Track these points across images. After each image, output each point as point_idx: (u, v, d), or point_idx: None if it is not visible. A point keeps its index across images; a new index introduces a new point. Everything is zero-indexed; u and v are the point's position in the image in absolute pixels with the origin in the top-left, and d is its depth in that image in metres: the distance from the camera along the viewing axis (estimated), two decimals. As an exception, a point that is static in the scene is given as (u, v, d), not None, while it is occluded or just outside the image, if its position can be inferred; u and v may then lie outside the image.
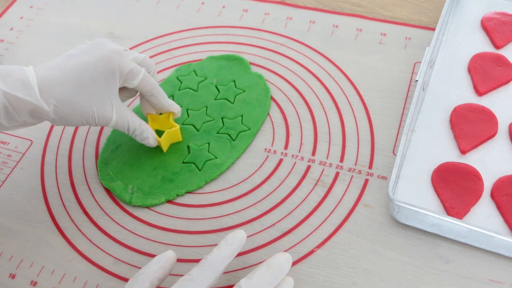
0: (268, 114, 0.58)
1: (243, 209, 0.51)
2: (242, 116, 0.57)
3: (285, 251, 0.48)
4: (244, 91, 0.58)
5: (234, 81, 0.59)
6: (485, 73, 0.56)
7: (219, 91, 0.60)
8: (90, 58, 0.46)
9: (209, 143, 0.55)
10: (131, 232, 0.51)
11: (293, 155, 0.54)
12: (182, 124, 0.57)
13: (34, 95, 0.44)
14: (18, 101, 0.43)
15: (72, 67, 0.46)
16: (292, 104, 0.58)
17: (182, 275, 0.47)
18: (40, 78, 0.45)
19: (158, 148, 0.56)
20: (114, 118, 0.48)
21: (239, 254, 0.48)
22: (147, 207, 0.52)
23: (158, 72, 0.63)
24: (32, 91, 0.44)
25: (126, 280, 0.48)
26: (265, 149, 0.55)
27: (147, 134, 0.51)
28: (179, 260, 0.48)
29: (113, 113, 0.47)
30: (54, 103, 0.45)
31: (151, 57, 0.65)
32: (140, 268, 0.48)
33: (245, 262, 0.48)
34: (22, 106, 0.44)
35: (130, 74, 0.48)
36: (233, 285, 0.46)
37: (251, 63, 0.62)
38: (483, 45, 0.59)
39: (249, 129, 0.55)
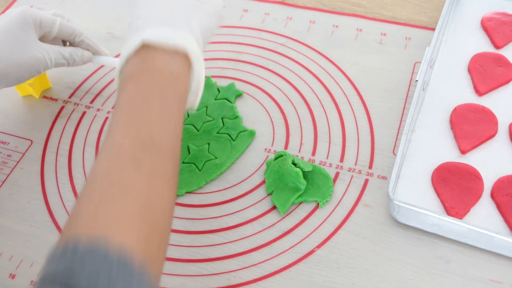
0: (268, 114, 0.58)
1: (243, 209, 0.51)
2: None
3: (285, 251, 0.48)
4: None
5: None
6: (485, 73, 0.56)
7: (219, 91, 0.60)
8: (6, 21, 0.52)
9: (209, 143, 0.55)
10: (131, 232, 0.51)
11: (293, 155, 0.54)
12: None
13: None
14: None
15: None
16: (292, 104, 0.58)
17: (182, 275, 0.47)
18: None
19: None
20: (48, 57, 0.53)
21: (239, 254, 0.48)
22: (147, 207, 0.52)
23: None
24: None
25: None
26: (265, 149, 0.55)
27: (81, 52, 0.56)
28: (179, 260, 0.48)
29: (44, 53, 0.52)
30: None
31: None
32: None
33: (245, 262, 0.48)
34: None
35: (45, 22, 0.53)
36: (233, 285, 0.46)
37: (251, 63, 0.62)
38: (483, 45, 0.59)
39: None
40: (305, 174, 0.51)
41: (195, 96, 0.42)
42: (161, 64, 0.38)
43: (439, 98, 0.55)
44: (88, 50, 0.57)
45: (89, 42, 0.57)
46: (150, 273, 0.30)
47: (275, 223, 0.50)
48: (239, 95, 0.59)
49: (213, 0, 0.46)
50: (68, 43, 0.57)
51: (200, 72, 0.41)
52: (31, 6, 0.73)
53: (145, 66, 0.38)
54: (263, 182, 0.52)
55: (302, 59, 0.62)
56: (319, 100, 0.58)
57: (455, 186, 0.48)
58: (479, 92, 0.55)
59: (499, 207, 0.47)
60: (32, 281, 0.48)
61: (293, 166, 0.50)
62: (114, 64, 0.58)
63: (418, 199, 0.48)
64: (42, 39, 0.54)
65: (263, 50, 0.64)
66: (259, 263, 0.48)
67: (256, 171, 0.54)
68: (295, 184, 0.50)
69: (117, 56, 0.63)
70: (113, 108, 0.61)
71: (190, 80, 0.40)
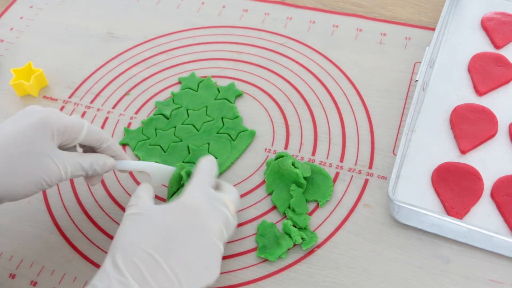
0: (268, 114, 0.58)
1: (243, 209, 0.51)
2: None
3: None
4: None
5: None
6: (485, 73, 0.56)
7: (219, 91, 0.60)
8: (23, 124, 0.43)
9: (209, 143, 0.55)
10: (131, 232, 0.51)
11: (293, 155, 0.54)
12: (182, 124, 0.57)
13: None
14: None
15: (4, 135, 0.42)
16: (292, 104, 0.58)
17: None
18: None
19: (159, 149, 0.56)
20: (64, 168, 0.44)
21: (239, 254, 0.48)
22: (147, 207, 0.52)
23: (159, 72, 0.63)
24: None
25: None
26: (265, 149, 0.55)
27: (102, 161, 0.47)
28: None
29: (60, 165, 0.43)
30: None
31: (151, 57, 0.65)
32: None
33: (245, 262, 0.48)
34: None
35: (71, 130, 0.44)
36: (233, 285, 0.46)
37: (251, 63, 0.62)
38: (483, 45, 0.59)
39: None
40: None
41: None
42: None
43: (439, 98, 0.55)
44: (112, 156, 0.48)
45: (114, 148, 0.48)
46: None
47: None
48: (239, 95, 0.59)
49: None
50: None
51: None
52: (31, 7, 0.73)
53: None
54: (263, 182, 0.52)
55: (302, 59, 0.62)
56: (319, 100, 0.58)
57: (455, 186, 0.48)
58: (479, 92, 0.55)
59: (499, 207, 0.47)
60: (32, 281, 0.48)
61: (292, 167, 0.50)
62: (138, 168, 0.49)
63: (418, 199, 0.48)
64: (62, 146, 0.45)
65: (263, 50, 0.64)
66: (259, 263, 0.48)
67: (256, 171, 0.53)
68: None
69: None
70: (113, 108, 0.61)
71: None
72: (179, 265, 0.39)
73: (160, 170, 0.49)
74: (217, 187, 0.46)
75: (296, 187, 0.50)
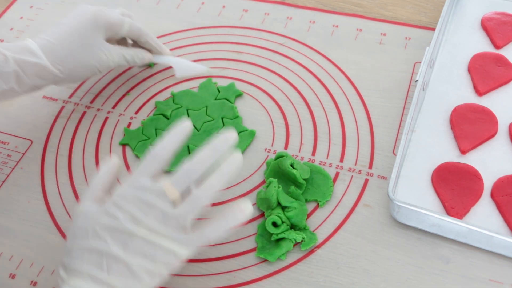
0: (268, 114, 0.58)
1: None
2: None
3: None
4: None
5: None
6: (485, 73, 0.56)
7: (219, 91, 0.60)
8: (78, 22, 0.54)
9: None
10: (131, 232, 0.51)
11: (293, 155, 0.54)
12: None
13: (41, 58, 0.52)
14: (28, 65, 0.51)
15: (65, 31, 0.54)
16: (292, 104, 0.58)
17: (182, 275, 0.47)
18: (41, 45, 0.52)
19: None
20: (112, 59, 0.55)
21: (239, 254, 0.48)
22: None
23: (159, 72, 0.63)
24: (39, 55, 0.52)
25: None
26: (265, 149, 0.55)
27: (141, 55, 0.58)
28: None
29: (108, 55, 0.55)
30: (58, 63, 0.52)
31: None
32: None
33: (245, 262, 0.48)
34: (32, 69, 0.51)
35: (115, 24, 0.55)
36: (233, 285, 0.46)
37: (251, 63, 0.62)
38: (483, 45, 0.59)
39: None
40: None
41: None
42: None
43: (439, 98, 0.55)
44: (150, 50, 0.60)
45: (153, 42, 0.59)
46: None
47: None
48: (239, 95, 0.59)
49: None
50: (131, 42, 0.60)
51: None
52: (31, 7, 0.73)
53: None
54: (263, 182, 0.52)
55: (302, 59, 0.62)
56: (319, 100, 0.58)
57: (455, 186, 0.48)
58: (479, 92, 0.55)
59: (499, 207, 0.47)
60: (32, 281, 0.48)
61: (291, 167, 0.50)
62: (172, 63, 0.61)
63: (418, 199, 0.48)
64: (108, 39, 0.56)
65: (263, 50, 0.64)
66: (258, 263, 0.48)
67: (256, 171, 0.53)
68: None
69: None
70: (113, 108, 0.61)
71: None
72: (125, 262, 0.38)
73: (186, 66, 0.61)
74: None
75: (294, 189, 0.50)
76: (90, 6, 0.55)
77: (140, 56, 0.58)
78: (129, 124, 0.59)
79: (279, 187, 0.49)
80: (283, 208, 0.48)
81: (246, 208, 0.40)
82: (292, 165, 0.50)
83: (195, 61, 0.63)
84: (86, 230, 0.40)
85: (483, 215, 0.47)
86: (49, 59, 0.52)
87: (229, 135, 0.42)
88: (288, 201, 0.48)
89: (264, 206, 0.50)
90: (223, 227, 0.40)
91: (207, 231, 0.40)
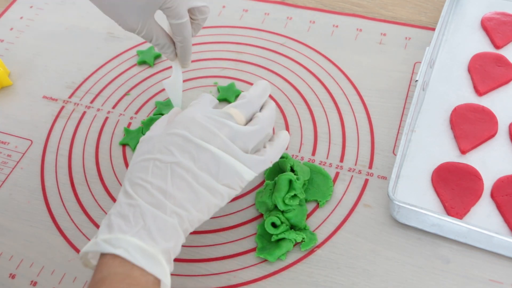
0: (268, 114, 0.58)
1: (243, 209, 0.51)
2: None
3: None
4: None
5: None
6: (485, 73, 0.56)
7: (219, 91, 0.60)
8: None
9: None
10: (131, 232, 0.51)
11: (293, 155, 0.54)
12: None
13: None
14: None
15: None
16: (292, 104, 0.58)
17: (182, 275, 0.47)
18: None
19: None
20: (142, 28, 0.47)
21: (239, 254, 0.48)
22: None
23: (159, 72, 0.63)
24: None
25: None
26: (265, 149, 0.55)
27: (169, 50, 0.50)
28: (179, 260, 0.48)
29: (142, 25, 0.47)
30: None
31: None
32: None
33: (246, 262, 0.48)
34: None
35: (170, 10, 0.47)
36: (233, 285, 0.46)
37: (251, 63, 0.62)
38: (483, 45, 0.59)
39: None
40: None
41: None
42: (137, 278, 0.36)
43: (439, 98, 0.55)
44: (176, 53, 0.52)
45: (183, 53, 0.51)
46: None
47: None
48: (239, 95, 0.59)
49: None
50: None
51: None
52: (31, 7, 0.73)
53: (120, 277, 0.36)
54: (263, 182, 0.52)
55: (302, 59, 0.62)
56: (319, 100, 0.58)
57: (455, 186, 0.48)
58: (479, 92, 0.55)
59: (499, 207, 0.47)
60: (32, 281, 0.48)
61: (291, 173, 0.49)
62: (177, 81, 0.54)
63: (418, 199, 0.48)
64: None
65: (263, 50, 0.64)
66: (259, 263, 0.48)
67: (256, 171, 0.53)
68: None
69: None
70: (113, 108, 0.61)
71: None
72: (192, 176, 0.39)
73: (178, 86, 0.54)
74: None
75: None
76: None
77: (171, 48, 0.50)
78: (129, 124, 0.59)
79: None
80: (282, 210, 0.48)
81: (287, 133, 0.45)
82: (292, 167, 0.50)
83: (195, 61, 0.63)
84: (152, 148, 0.40)
85: (483, 215, 0.47)
86: None
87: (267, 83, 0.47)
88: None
89: (262, 209, 0.50)
90: (281, 147, 0.44)
91: (268, 154, 0.43)
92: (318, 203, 0.50)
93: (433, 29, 0.62)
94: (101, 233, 0.37)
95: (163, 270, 0.36)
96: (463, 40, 0.60)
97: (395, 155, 0.53)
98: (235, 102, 0.44)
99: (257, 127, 0.42)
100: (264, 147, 0.44)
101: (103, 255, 0.36)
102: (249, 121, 0.44)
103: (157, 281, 0.36)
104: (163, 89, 0.61)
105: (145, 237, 0.36)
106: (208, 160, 0.39)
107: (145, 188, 0.38)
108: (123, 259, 0.35)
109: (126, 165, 0.55)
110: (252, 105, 0.44)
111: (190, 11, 0.48)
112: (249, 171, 0.41)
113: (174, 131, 0.41)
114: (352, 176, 0.52)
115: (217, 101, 0.46)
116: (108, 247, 0.36)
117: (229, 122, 0.41)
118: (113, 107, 0.61)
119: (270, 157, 0.43)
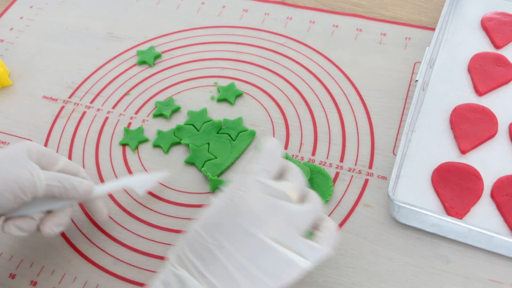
0: (268, 114, 0.58)
1: (243, 209, 0.51)
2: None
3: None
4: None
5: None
6: (485, 73, 0.56)
7: (219, 91, 0.60)
8: (8, 149, 0.44)
9: (209, 143, 0.55)
10: (131, 232, 0.51)
11: (293, 155, 0.54)
12: (183, 124, 0.57)
13: None
14: None
15: None
16: (292, 104, 0.58)
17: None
18: None
19: (158, 150, 0.56)
20: (39, 177, 0.43)
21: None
22: (147, 207, 0.52)
23: (159, 72, 0.63)
24: None
25: (126, 280, 0.48)
26: (265, 149, 0.55)
27: (80, 180, 0.45)
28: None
29: (34, 173, 0.43)
30: None
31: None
32: (140, 268, 0.48)
33: (245, 262, 0.48)
34: None
35: (50, 154, 0.46)
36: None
37: (251, 63, 0.62)
38: (483, 45, 0.59)
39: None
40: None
41: None
42: None
43: (439, 98, 0.55)
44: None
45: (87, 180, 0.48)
46: None
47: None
48: (239, 95, 0.59)
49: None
50: None
51: None
52: (31, 7, 0.73)
53: None
54: (263, 182, 0.52)
55: (302, 59, 0.62)
56: (319, 100, 0.58)
57: (455, 186, 0.48)
58: (479, 92, 0.55)
59: (499, 207, 0.47)
60: (32, 281, 0.48)
61: None
62: (125, 185, 0.49)
63: (418, 199, 0.48)
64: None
65: (263, 50, 0.64)
66: (259, 263, 0.47)
67: (256, 171, 0.53)
68: None
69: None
70: (113, 108, 0.61)
71: None
72: (234, 264, 0.35)
73: (142, 181, 0.49)
74: (280, 172, 0.40)
75: None
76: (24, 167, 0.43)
77: (77, 180, 0.45)
78: (129, 124, 0.59)
79: None
80: None
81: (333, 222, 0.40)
82: None
83: (195, 61, 0.63)
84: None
85: (483, 215, 0.47)
86: None
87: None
88: None
89: None
90: (334, 232, 0.39)
91: (323, 241, 0.37)
92: None
93: (433, 29, 0.62)
94: None
95: None
96: (463, 40, 0.60)
97: (395, 155, 0.53)
98: (287, 175, 0.39)
99: (312, 207, 0.38)
100: (317, 229, 0.39)
101: None
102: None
103: None
104: (163, 89, 0.61)
105: None
106: (257, 249, 0.35)
107: (186, 263, 0.36)
108: None
109: (126, 165, 0.55)
110: (301, 178, 0.39)
111: None
112: (304, 260, 0.37)
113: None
114: (352, 176, 0.52)
115: (281, 149, 0.40)
116: None
117: (286, 204, 0.37)
118: (113, 107, 0.61)
119: (328, 243, 0.38)
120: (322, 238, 0.38)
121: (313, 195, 0.39)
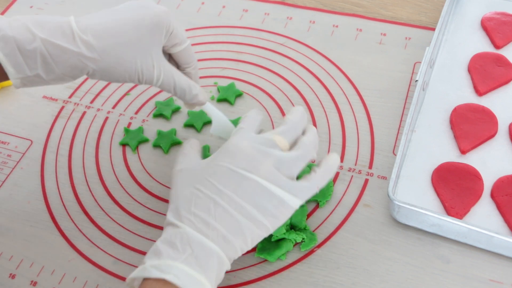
0: (268, 114, 0.58)
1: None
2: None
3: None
4: None
5: None
6: (485, 73, 0.56)
7: (219, 91, 0.60)
8: (136, 13, 0.43)
9: (209, 144, 0.55)
10: (131, 232, 0.51)
11: (293, 155, 0.54)
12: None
13: (75, 43, 0.41)
14: (58, 49, 0.40)
15: (117, 19, 0.43)
16: (292, 104, 0.58)
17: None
18: (82, 27, 0.42)
19: (158, 150, 0.56)
20: (159, 75, 0.44)
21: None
22: (147, 207, 0.52)
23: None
24: (73, 39, 0.41)
25: (126, 280, 0.48)
26: (265, 149, 0.55)
27: (196, 91, 0.47)
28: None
29: (157, 69, 0.44)
30: (96, 53, 0.41)
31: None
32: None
33: (245, 262, 0.48)
34: (62, 55, 0.41)
35: (175, 36, 0.45)
36: (233, 285, 0.46)
37: (251, 63, 0.62)
38: (483, 45, 0.59)
39: None
40: None
41: None
42: None
43: (439, 98, 0.55)
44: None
45: (195, 79, 0.49)
46: None
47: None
48: (239, 95, 0.59)
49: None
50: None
51: None
52: (31, 7, 0.73)
53: None
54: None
55: (302, 59, 0.62)
56: (319, 100, 0.58)
57: (455, 186, 0.48)
58: (479, 92, 0.55)
59: (499, 207, 0.47)
60: (32, 281, 0.48)
61: None
62: (214, 116, 0.50)
63: (418, 199, 0.48)
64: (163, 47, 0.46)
65: (263, 50, 0.64)
66: (259, 263, 0.48)
67: (256, 171, 0.53)
68: None
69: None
70: (113, 108, 0.61)
71: None
72: (235, 207, 0.39)
73: (223, 125, 0.51)
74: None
75: None
76: (155, 4, 0.45)
77: (194, 92, 0.47)
78: (129, 124, 0.59)
79: None
80: None
81: (337, 157, 0.45)
82: None
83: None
84: (193, 180, 0.41)
85: (483, 215, 0.47)
86: (85, 46, 0.41)
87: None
88: None
89: None
90: (328, 172, 0.43)
91: (315, 180, 0.42)
92: (318, 203, 0.50)
93: (433, 29, 0.62)
94: (149, 259, 0.38)
95: None
96: (463, 40, 0.60)
97: (395, 155, 0.53)
98: (279, 128, 0.43)
99: (301, 152, 0.42)
100: (314, 171, 0.43)
101: (147, 280, 0.37)
102: (292, 146, 0.43)
103: None
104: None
105: (193, 264, 0.37)
106: (252, 190, 0.40)
107: (189, 219, 0.39)
108: (171, 284, 0.36)
109: (126, 165, 0.55)
110: (295, 130, 0.44)
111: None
112: (294, 199, 0.40)
113: (218, 163, 0.41)
114: (352, 176, 0.52)
115: (262, 116, 0.46)
116: (157, 273, 0.36)
117: (274, 151, 0.41)
118: (113, 107, 0.61)
119: (316, 182, 0.42)
120: (313, 177, 0.42)
121: (304, 143, 0.43)
